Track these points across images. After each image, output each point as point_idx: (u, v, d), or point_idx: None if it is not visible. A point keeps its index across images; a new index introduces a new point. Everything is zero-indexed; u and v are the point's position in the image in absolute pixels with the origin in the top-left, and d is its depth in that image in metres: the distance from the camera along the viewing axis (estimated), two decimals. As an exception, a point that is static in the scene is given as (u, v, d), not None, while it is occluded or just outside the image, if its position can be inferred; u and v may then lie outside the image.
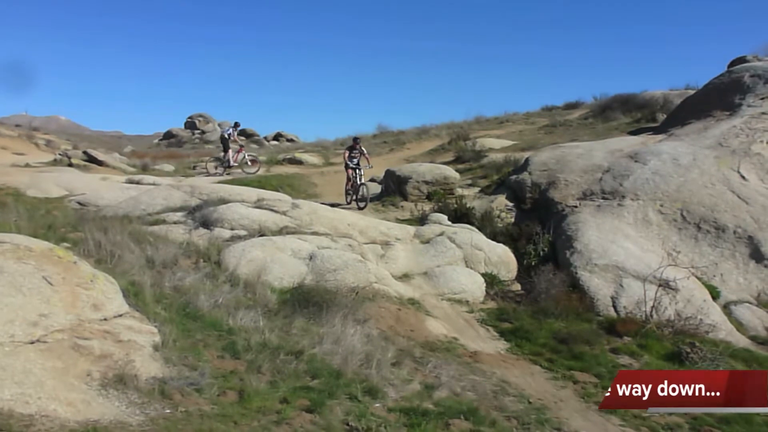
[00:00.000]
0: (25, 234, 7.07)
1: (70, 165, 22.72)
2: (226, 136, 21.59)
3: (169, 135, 59.84)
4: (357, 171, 15.88)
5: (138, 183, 18.04)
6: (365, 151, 16.57)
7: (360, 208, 14.99)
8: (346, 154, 16.26)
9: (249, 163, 20.89)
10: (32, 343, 4.88)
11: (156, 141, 59.83)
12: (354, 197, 15.83)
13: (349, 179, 16.13)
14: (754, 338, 10.01)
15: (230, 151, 21.13)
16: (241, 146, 21.76)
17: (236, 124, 22.02)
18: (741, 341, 9.63)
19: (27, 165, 22.18)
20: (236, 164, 20.96)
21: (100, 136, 59.48)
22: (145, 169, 24.50)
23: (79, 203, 14.29)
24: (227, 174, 20.60)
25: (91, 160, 23.87)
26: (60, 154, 25.15)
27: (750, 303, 10.96)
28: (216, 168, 21.28)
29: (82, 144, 33.51)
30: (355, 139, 16.78)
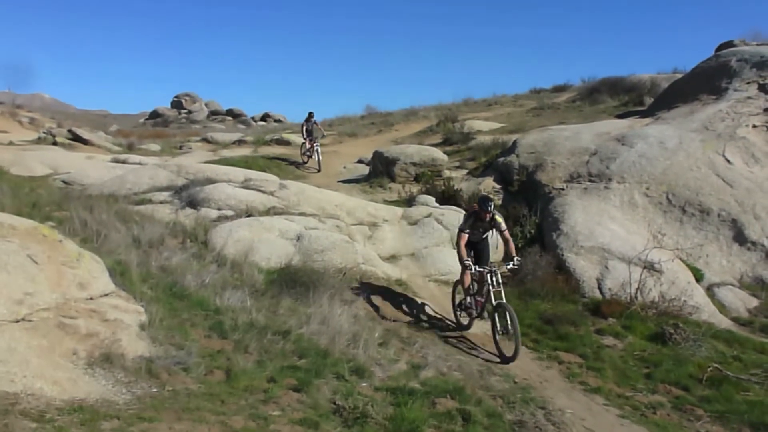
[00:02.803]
0: (9, 212, 7.01)
1: (55, 143, 22.49)
2: (303, 124, 20.19)
3: (155, 114, 59.39)
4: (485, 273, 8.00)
5: (124, 162, 17.86)
6: (501, 223, 8.11)
7: (463, 327, 8.38)
8: (466, 232, 8.06)
9: (320, 157, 19.12)
10: (17, 321, 4.83)
11: (142, 120, 59.29)
12: (474, 309, 8.21)
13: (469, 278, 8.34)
14: (736, 319, 10.14)
15: (307, 138, 19.75)
16: (312, 139, 19.57)
17: (310, 114, 20.19)
18: (723, 322, 9.76)
19: (10, 143, 21.91)
20: (309, 154, 19.65)
21: (85, 115, 58.66)
22: (131, 148, 24.31)
23: (64, 182, 14.12)
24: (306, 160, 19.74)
25: (76, 138, 23.64)
26: (44, 132, 24.87)
27: (733, 285, 11.08)
28: (303, 153, 20.09)
29: (66, 122, 33.13)
30: (485, 202, 8.04)
